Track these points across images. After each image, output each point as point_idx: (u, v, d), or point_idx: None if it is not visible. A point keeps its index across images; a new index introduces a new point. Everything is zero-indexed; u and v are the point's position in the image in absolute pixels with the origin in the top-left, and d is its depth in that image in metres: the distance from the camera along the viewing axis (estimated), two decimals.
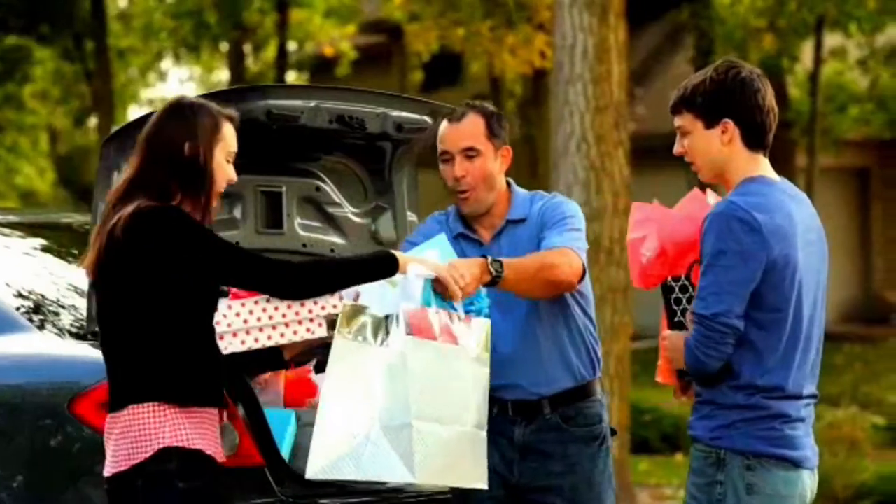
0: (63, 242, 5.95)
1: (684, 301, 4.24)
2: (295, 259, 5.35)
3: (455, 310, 4.33)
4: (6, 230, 5.78)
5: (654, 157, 14.20)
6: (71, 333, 5.10)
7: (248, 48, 24.17)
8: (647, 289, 4.40)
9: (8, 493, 4.73)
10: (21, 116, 26.94)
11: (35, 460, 4.76)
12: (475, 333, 4.35)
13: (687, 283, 4.24)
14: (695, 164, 4.23)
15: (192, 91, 32.40)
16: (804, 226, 4.15)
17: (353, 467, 4.16)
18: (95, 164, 5.08)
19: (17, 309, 5.13)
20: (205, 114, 4.21)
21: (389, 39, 24.84)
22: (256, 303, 4.21)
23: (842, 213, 22.43)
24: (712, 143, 4.18)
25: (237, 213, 5.37)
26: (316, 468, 4.14)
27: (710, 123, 4.17)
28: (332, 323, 4.23)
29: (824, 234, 4.26)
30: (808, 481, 4.17)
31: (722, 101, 4.15)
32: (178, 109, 4.23)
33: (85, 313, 4.98)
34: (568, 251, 4.61)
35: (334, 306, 4.23)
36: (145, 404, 4.10)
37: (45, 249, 5.79)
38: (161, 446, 4.08)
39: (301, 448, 5.18)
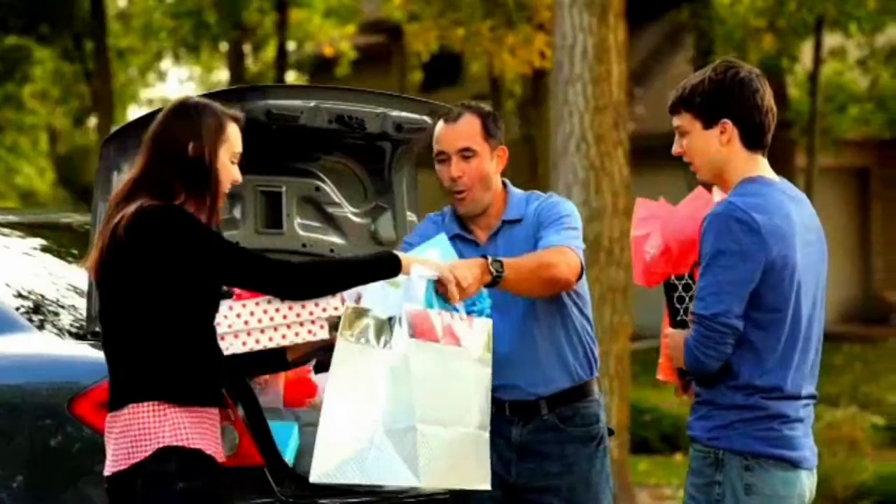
0: (63, 242, 5.96)
1: (687, 299, 4.24)
2: (294, 259, 5.35)
3: (457, 311, 4.33)
4: (6, 230, 5.78)
5: (653, 157, 14.20)
6: (71, 333, 5.11)
7: (247, 48, 24.16)
8: (649, 286, 4.40)
9: (8, 493, 4.73)
10: (21, 116, 26.93)
11: (35, 460, 4.76)
12: (477, 334, 4.35)
13: (690, 281, 4.24)
14: (693, 164, 4.23)
15: (191, 91, 32.41)
16: (803, 226, 4.15)
17: (358, 472, 4.15)
18: (95, 164, 5.08)
19: (17, 309, 5.13)
20: (210, 114, 4.22)
21: (389, 39, 24.83)
22: (257, 304, 4.20)
23: (841, 213, 22.43)
24: (711, 144, 4.18)
25: (237, 213, 5.37)
26: (320, 472, 4.13)
27: (708, 123, 4.17)
28: (334, 325, 4.22)
29: (823, 234, 4.26)
30: (807, 481, 4.17)
31: (720, 101, 4.15)
32: (183, 109, 4.23)
33: (84, 313, 4.99)
34: (566, 250, 4.62)
35: (335, 308, 4.22)
36: (145, 403, 4.10)
37: (44, 249, 5.79)
38: (161, 445, 4.08)
39: (301, 448, 5.18)
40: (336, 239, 5.60)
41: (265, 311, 4.21)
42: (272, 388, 5.01)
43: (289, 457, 4.88)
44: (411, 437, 4.16)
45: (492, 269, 4.39)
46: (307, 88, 5.80)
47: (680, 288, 4.28)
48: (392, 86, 22.65)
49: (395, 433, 4.16)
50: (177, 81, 36.30)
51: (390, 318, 4.22)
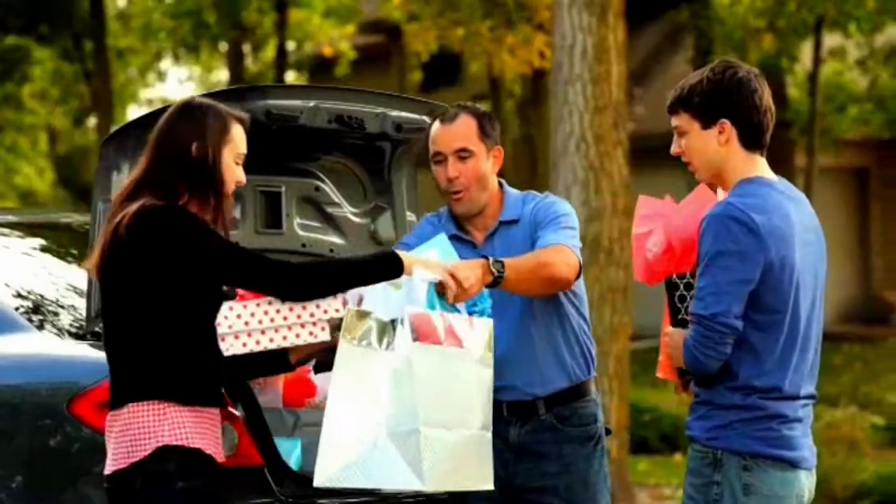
0: (62, 242, 5.96)
1: (688, 298, 4.23)
2: (294, 259, 5.35)
3: (459, 311, 4.33)
4: (5, 230, 5.78)
5: (653, 156, 14.19)
6: (70, 333, 5.11)
7: (247, 48, 24.16)
8: (650, 284, 4.40)
9: (7, 493, 4.73)
10: (20, 116, 26.94)
11: (34, 460, 4.76)
12: (479, 334, 4.34)
13: (692, 280, 4.23)
14: (692, 164, 4.22)
15: (191, 91, 32.42)
16: (801, 226, 4.14)
17: (362, 475, 4.13)
18: (94, 164, 5.08)
19: (17, 309, 5.14)
20: (214, 115, 4.22)
21: (388, 39, 24.84)
22: (258, 305, 4.19)
23: (841, 213, 22.43)
24: (709, 144, 4.18)
25: (236, 213, 5.37)
26: (323, 476, 4.12)
27: (706, 124, 4.17)
28: (335, 326, 4.21)
29: (822, 234, 4.26)
30: (806, 481, 4.17)
31: (719, 101, 4.15)
32: (188, 110, 4.24)
33: (84, 313, 4.99)
34: (564, 249, 4.61)
35: (336, 310, 4.20)
36: (145, 403, 4.10)
37: (44, 249, 5.79)
38: (160, 444, 4.07)
39: (302, 449, 5.19)
40: (336, 239, 5.60)
41: (265, 312, 4.19)
42: (271, 388, 5.00)
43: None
44: (415, 441, 4.14)
45: (493, 270, 4.38)
46: (307, 88, 5.80)
47: (681, 287, 4.28)
48: (391, 86, 22.66)
49: (398, 436, 4.15)
50: (176, 81, 36.32)
51: (392, 321, 4.21)
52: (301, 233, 5.52)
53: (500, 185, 4.84)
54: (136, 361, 4.13)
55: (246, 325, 4.16)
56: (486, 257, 4.43)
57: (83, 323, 5.03)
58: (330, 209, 5.58)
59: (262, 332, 4.18)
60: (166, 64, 29.99)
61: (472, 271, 4.34)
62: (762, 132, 4.18)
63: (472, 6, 16.22)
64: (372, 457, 4.14)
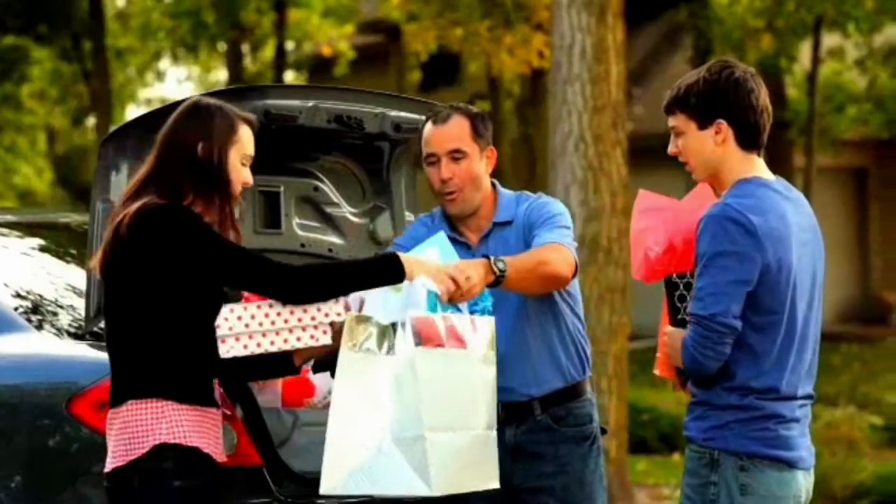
0: (61, 242, 5.95)
1: (688, 298, 4.22)
2: (293, 259, 5.35)
3: (460, 311, 4.32)
4: (4, 230, 5.78)
5: (651, 156, 14.18)
6: (69, 333, 5.11)
7: (246, 48, 24.16)
8: (648, 282, 4.39)
9: (6, 493, 4.73)
10: (19, 116, 26.93)
11: (33, 460, 4.76)
12: (482, 333, 4.33)
13: (692, 280, 4.22)
14: (689, 165, 4.22)
15: (190, 91, 32.40)
16: (798, 226, 4.14)
17: (368, 481, 4.12)
18: (93, 163, 5.09)
19: (16, 309, 5.14)
20: (221, 115, 4.22)
21: (387, 39, 24.84)
22: (259, 307, 4.17)
23: (840, 213, 22.44)
24: (706, 144, 4.17)
25: (235, 212, 5.36)
26: (329, 484, 4.11)
27: (703, 124, 4.16)
28: (339, 330, 4.19)
29: (820, 234, 4.25)
30: (803, 482, 4.17)
31: (715, 101, 4.14)
32: (195, 110, 4.24)
33: (83, 313, 4.98)
34: (561, 247, 4.62)
35: (338, 313, 4.18)
36: (144, 400, 4.10)
37: (42, 249, 5.79)
38: (157, 442, 4.07)
39: (298, 447, 5.19)
40: (334, 239, 5.60)
41: (266, 315, 4.17)
42: (270, 388, 5.00)
43: None
44: (421, 446, 4.12)
45: (496, 269, 4.38)
46: (305, 88, 5.79)
47: (681, 286, 4.27)
48: (390, 86, 22.66)
49: (403, 441, 4.13)
50: (175, 81, 36.31)
51: (392, 324, 4.19)
52: (300, 233, 5.52)
53: (494, 185, 4.83)
54: (137, 359, 4.14)
55: (246, 327, 4.15)
56: (487, 256, 4.43)
57: (82, 323, 5.03)
58: (329, 209, 5.58)
59: (263, 334, 4.17)
60: (165, 64, 30.04)
61: (474, 271, 4.33)
62: (759, 132, 4.18)
63: (470, 6, 16.22)
64: (377, 463, 4.12)
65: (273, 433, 4.92)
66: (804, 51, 19.32)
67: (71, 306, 5.25)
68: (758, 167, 4.19)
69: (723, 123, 4.14)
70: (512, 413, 4.73)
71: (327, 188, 5.57)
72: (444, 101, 5.27)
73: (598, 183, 9.50)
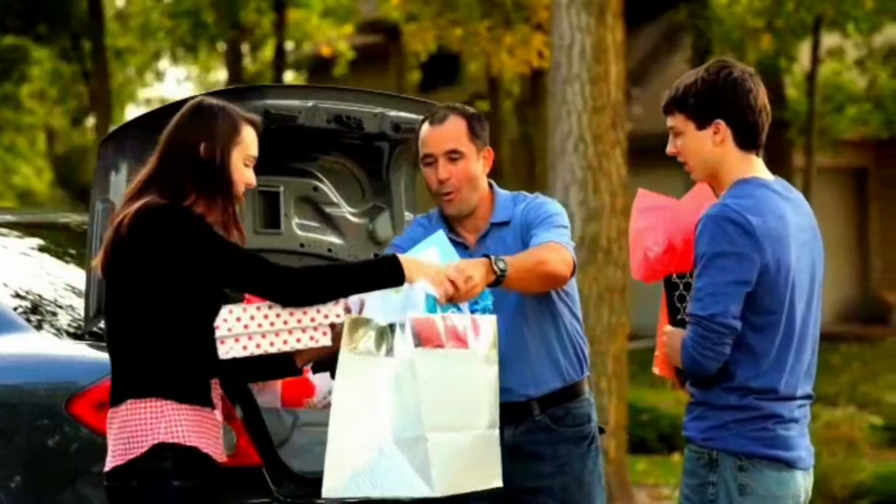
0: (60, 242, 5.95)
1: (688, 298, 4.22)
2: (293, 259, 5.35)
3: (460, 310, 4.32)
4: (4, 230, 5.78)
5: (651, 156, 14.19)
6: (68, 333, 5.10)
7: (245, 48, 24.15)
8: (648, 282, 4.39)
9: (6, 493, 4.73)
10: (18, 116, 26.93)
11: (32, 460, 4.76)
12: (483, 332, 4.32)
13: (691, 280, 4.22)
14: (687, 165, 4.22)
15: (189, 91, 32.40)
16: (797, 226, 4.14)
17: (369, 483, 4.11)
18: (93, 163, 5.08)
19: (15, 309, 5.13)
20: (224, 116, 4.22)
21: (387, 39, 24.84)
22: (258, 308, 4.17)
23: (839, 213, 22.44)
24: (704, 144, 4.17)
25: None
26: (331, 487, 4.11)
27: (701, 124, 4.16)
28: (339, 332, 4.19)
29: (819, 233, 4.25)
30: (802, 482, 4.17)
31: (713, 101, 4.14)
32: (198, 110, 4.24)
33: (82, 313, 4.98)
34: (559, 246, 4.62)
35: (338, 315, 4.17)
36: (143, 399, 4.10)
37: (42, 249, 5.79)
38: (156, 442, 4.07)
39: (298, 447, 5.19)
40: (334, 239, 5.60)
41: (266, 316, 4.16)
42: (270, 389, 5.00)
43: None
44: (422, 447, 4.12)
45: (496, 269, 4.38)
46: (305, 88, 5.79)
47: (681, 286, 4.27)
48: (390, 86, 22.66)
49: (404, 442, 4.13)
50: (175, 81, 36.31)
51: (391, 325, 4.18)
52: (299, 233, 5.52)
53: (491, 186, 4.83)
54: (136, 359, 4.14)
55: (245, 328, 4.14)
56: (488, 256, 4.43)
57: (81, 323, 5.03)
58: (328, 209, 5.58)
59: (263, 335, 4.16)
60: (164, 64, 30.02)
61: (476, 270, 4.33)
62: (757, 132, 4.18)
63: (470, 6, 16.22)
64: (379, 464, 4.12)
65: (273, 433, 4.92)
66: (804, 51, 19.33)
67: (70, 306, 5.25)
68: (756, 167, 4.19)
69: (721, 123, 4.14)
70: (510, 413, 4.72)
71: (327, 188, 5.57)
72: (443, 102, 5.27)
73: (598, 183, 9.50)
